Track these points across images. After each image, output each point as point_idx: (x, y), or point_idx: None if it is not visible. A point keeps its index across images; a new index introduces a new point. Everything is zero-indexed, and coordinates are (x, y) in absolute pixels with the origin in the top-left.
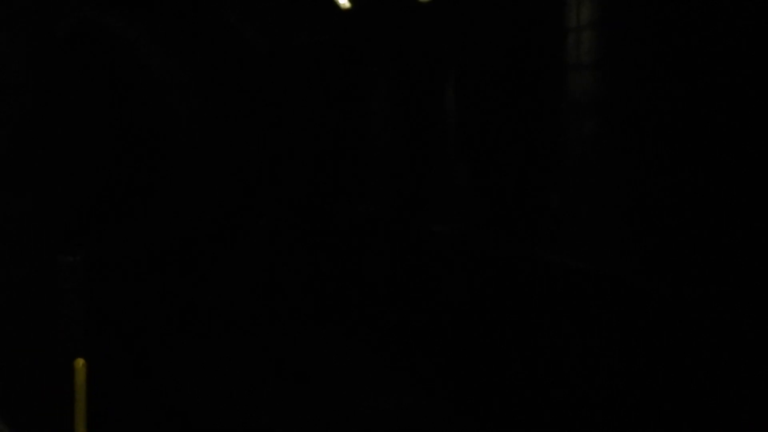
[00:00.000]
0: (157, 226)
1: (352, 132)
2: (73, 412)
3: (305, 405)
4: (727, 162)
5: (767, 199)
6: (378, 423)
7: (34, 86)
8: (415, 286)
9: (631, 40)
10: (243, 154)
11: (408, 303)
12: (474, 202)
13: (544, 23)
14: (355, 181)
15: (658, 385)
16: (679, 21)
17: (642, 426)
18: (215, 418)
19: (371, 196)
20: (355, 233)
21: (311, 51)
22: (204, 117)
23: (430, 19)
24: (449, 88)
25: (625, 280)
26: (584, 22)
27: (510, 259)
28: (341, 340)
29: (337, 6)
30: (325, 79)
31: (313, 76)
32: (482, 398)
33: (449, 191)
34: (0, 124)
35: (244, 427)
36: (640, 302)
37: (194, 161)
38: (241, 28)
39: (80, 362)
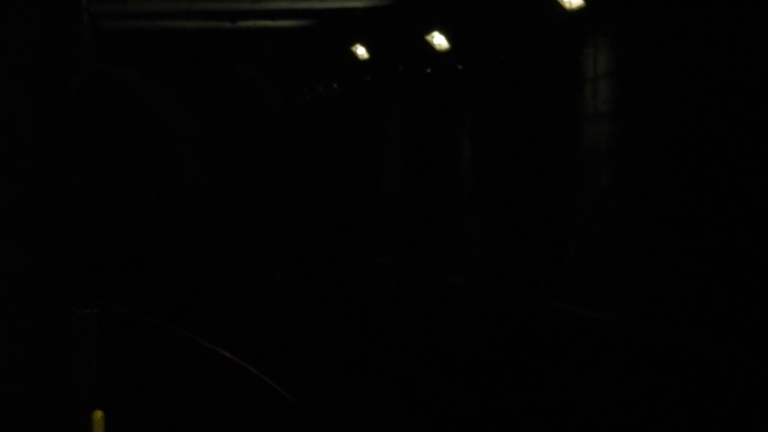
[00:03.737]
0: (169, 278)
1: (366, 183)
2: None
3: None
4: (744, 215)
5: None
6: None
7: (47, 139)
8: (430, 335)
9: (648, 90)
10: (256, 206)
11: (422, 351)
12: (488, 252)
13: (560, 73)
14: (370, 233)
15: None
16: (697, 71)
17: None
18: None
19: (385, 248)
20: (369, 284)
21: (326, 104)
22: (217, 169)
23: (446, 70)
24: (464, 139)
25: (639, 329)
26: (601, 72)
27: (525, 309)
28: (359, 391)
29: (353, 59)
30: (340, 131)
31: (328, 128)
32: None
33: (463, 242)
34: (13, 177)
35: None
36: (656, 352)
37: (207, 214)
38: (256, 81)
39: (98, 414)
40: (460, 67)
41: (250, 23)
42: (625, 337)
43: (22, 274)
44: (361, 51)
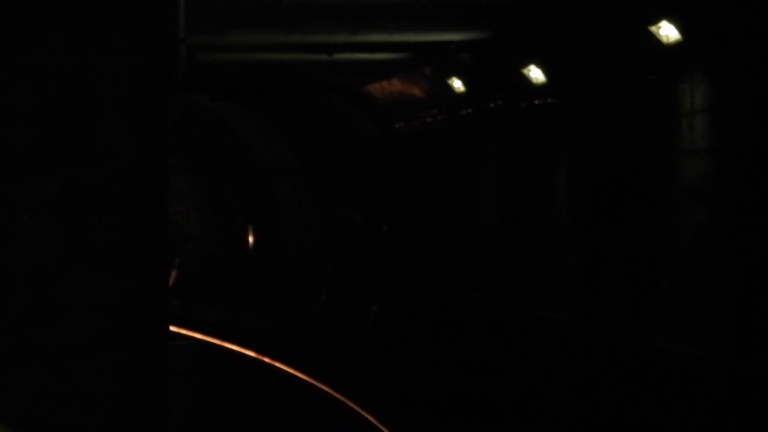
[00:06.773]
0: (266, 311)
1: (462, 217)
2: None
3: None
4: None
5: None
6: None
7: (145, 172)
8: (525, 369)
9: (746, 125)
10: (352, 238)
11: (519, 388)
12: (584, 288)
13: (656, 107)
14: (466, 267)
15: None
16: None
17: None
18: None
19: (481, 282)
20: (464, 318)
21: (423, 137)
22: (313, 201)
23: (542, 104)
24: (560, 174)
25: (732, 366)
26: (698, 107)
27: (620, 345)
28: (453, 426)
29: (449, 92)
30: (437, 165)
31: (425, 162)
32: None
33: (558, 278)
34: (111, 211)
35: None
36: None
37: (303, 245)
38: (352, 114)
39: None
40: (553, 100)
41: (346, 55)
42: (719, 374)
43: (118, 307)
44: (457, 84)
